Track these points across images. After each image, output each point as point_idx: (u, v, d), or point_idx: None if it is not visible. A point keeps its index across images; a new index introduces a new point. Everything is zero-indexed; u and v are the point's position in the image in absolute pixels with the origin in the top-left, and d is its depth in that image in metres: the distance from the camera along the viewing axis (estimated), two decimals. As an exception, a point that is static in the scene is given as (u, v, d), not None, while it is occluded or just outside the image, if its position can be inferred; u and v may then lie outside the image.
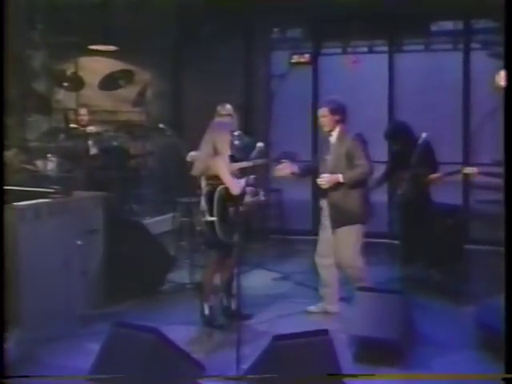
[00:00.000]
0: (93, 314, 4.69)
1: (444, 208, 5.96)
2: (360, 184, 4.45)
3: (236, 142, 4.23)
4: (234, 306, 4.66)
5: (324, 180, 4.42)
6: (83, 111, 6.86)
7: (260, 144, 4.38)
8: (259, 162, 4.63)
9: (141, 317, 4.57)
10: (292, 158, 4.72)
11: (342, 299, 4.97)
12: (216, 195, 4.33)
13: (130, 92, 7.08)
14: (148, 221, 6.57)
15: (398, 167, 5.70)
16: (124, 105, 7.45)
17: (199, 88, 7.78)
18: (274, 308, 4.92)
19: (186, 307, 4.99)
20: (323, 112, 4.46)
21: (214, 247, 4.58)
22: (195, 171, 4.69)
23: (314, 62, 7.58)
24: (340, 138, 4.45)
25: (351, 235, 4.47)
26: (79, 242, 4.67)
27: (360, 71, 7.45)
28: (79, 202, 4.89)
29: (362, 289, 4.19)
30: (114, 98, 7.46)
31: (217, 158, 4.51)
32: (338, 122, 4.44)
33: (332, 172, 4.46)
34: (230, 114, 5.59)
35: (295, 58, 7.38)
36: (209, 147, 4.63)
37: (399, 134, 5.74)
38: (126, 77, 6.95)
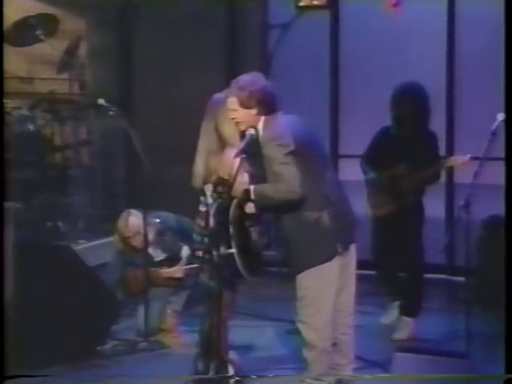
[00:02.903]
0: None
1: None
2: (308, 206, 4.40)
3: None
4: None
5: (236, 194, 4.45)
6: None
7: (251, 131, 4.42)
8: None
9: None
10: None
11: (373, 363, 5.02)
12: (231, 214, 4.40)
13: (53, 49, 7.10)
14: (82, 246, 6.59)
15: (394, 155, 5.85)
16: (44, 68, 7.46)
17: (160, 43, 7.81)
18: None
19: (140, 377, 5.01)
20: (231, 103, 4.47)
21: (233, 288, 4.72)
22: (196, 179, 4.77)
23: (332, 5, 7.63)
24: (264, 136, 4.44)
25: (306, 284, 4.49)
26: (-25, 279, 4.67)
27: (404, 19, 7.50)
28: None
29: (403, 349, 4.24)
30: (28, 57, 7.46)
31: (227, 152, 4.58)
32: (257, 116, 4.46)
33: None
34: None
35: (305, 0, 7.43)
36: (211, 137, 4.69)
37: (405, 101, 5.85)
38: (47, 25, 6.96)
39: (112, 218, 7.18)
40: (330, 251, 4.47)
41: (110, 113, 5.85)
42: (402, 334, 5.86)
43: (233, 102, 4.47)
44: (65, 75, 7.25)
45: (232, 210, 4.41)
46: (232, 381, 4.69)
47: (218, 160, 4.66)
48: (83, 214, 7.23)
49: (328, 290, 4.52)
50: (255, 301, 6.64)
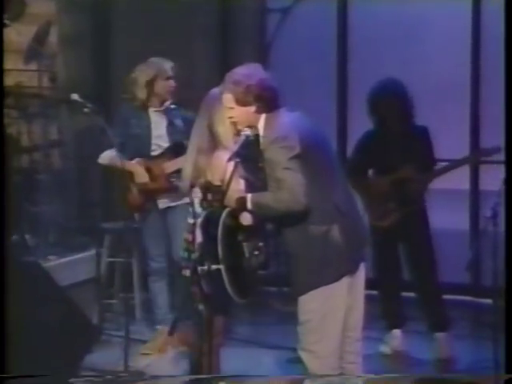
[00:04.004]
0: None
1: None
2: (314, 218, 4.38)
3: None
4: None
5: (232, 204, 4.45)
6: None
7: (246, 132, 4.42)
8: None
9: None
10: None
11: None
12: (221, 225, 4.39)
13: (19, 35, 7.10)
14: (53, 263, 6.58)
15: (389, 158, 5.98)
16: (9, 58, 7.42)
17: (142, 30, 7.81)
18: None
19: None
20: (226, 100, 4.47)
21: (226, 311, 4.71)
22: (184, 181, 4.79)
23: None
24: (265, 137, 4.43)
25: (310, 306, 4.47)
26: None
27: (423, 6, 7.49)
28: None
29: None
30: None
31: (218, 153, 4.59)
32: (256, 114, 4.44)
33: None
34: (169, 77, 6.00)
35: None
36: (203, 135, 4.71)
37: (389, 100, 6.00)
38: (12, 8, 6.92)
39: (87, 230, 7.20)
40: (339, 270, 4.44)
41: (85, 109, 5.82)
42: (438, 353, 6.03)
43: (228, 98, 4.46)
44: (33, 66, 7.24)
45: (222, 221, 4.38)
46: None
47: (208, 160, 4.66)
48: (54, 226, 7.21)
49: (335, 314, 4.50)
50: (251, 325, 6.64)
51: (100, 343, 5.96)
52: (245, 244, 4.49)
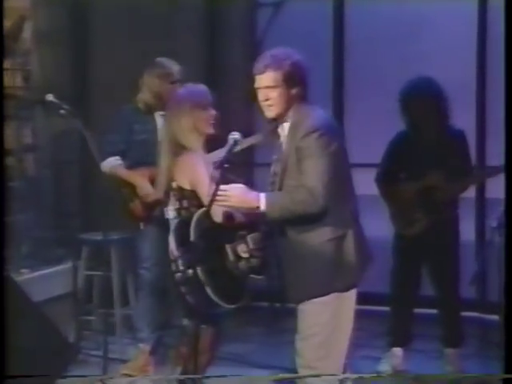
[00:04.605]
0: None
1: None
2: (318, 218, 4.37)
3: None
4: None
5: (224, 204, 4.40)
6: None
7: (235, 135, 4.40)
8: None
9: None
10: None
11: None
12: (192, 228, 4.41)
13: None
14: (26, 276, 6.58)
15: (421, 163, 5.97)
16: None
17: (123, 27, 7.80)
18: None
19: None
20: (267, 79, 4.41)
21: (208, 321, 4.68)
22: (159, 190, 4.83)
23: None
24: (295, 127, 4.45)
25: (320, 318, 4.46)
26: None
27: (424, 3, 7.48)
28: None
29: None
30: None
31: (185, 157, 4.63)
32: (294, 99, 4.47)
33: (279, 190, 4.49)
34: (175, 81, 5.97)
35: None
36: (166, 141, 4.78)
37: (423, 101, 5.99)
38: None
39: (63, 241, 7.18)
40: (349, 279, 4.46)
41: (61, 111, 5.81)
42: (450, 367, 6.09)
43: (271, 77, 4.42)
44: (5, 64, 7.19)
45: (194, 224, 4.40)
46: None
47: (173, 166, 4.68)
48: (27, 236, 7.21)
49: (344, 328, 4.49)
50: (241, 343, 6.63)
51: (77, 363, 5.95)
52: (228, 246, 4.49)
